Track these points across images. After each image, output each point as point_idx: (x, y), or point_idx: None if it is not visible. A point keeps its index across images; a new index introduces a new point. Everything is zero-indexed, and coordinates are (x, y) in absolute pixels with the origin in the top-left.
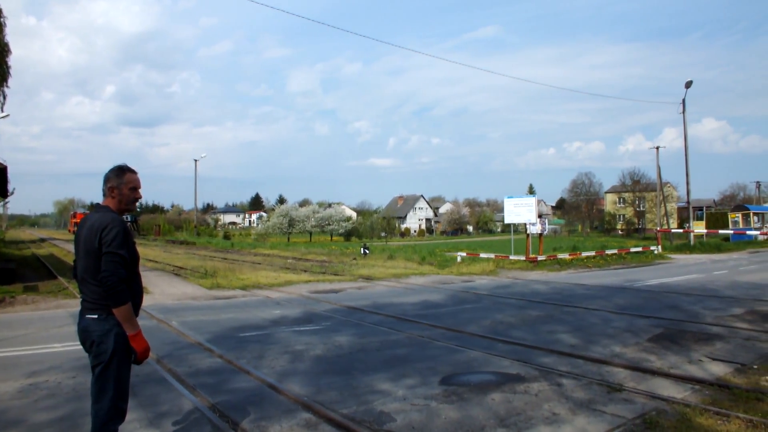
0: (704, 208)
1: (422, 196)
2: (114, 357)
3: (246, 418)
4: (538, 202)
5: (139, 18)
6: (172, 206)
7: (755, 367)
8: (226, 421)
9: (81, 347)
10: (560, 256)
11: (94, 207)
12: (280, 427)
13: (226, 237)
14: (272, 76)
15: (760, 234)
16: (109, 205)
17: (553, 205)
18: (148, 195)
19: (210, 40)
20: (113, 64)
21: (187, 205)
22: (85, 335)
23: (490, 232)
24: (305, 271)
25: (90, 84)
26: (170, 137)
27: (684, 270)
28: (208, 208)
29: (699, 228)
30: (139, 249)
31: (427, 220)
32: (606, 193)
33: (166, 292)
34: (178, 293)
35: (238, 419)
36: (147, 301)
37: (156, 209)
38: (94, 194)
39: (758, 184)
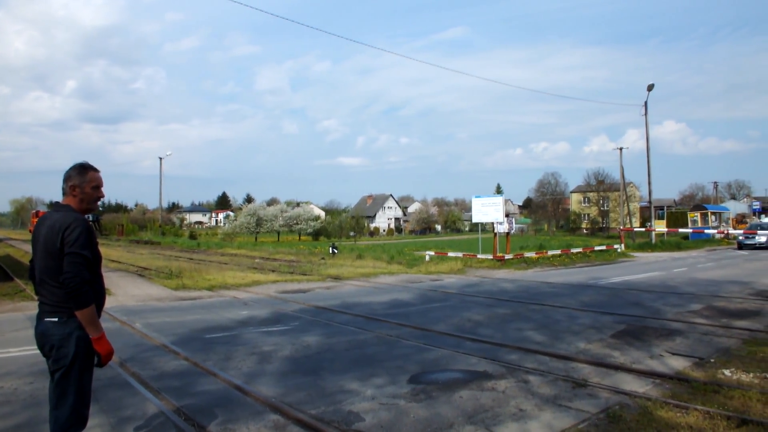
0: (665, 208)
1: (391, 195)
2: (75, 361)
3: (213, 421)
4: (506, 201)
5: (102, 11)
6: (136, 205)
7: (712, 360)
8: (192, 425)
9: (38, 351)
10: (527, 254)
11: (54, 206)
12: (247, 430)
13: (192, 237)
14: (240, 73)
15: (718, 233)
16: (70, 204)
17: (520, 204)
18: (111, 194)
19: (176, 35)
20: (74, 59)
21: (152, 204)
22: (43, 339)
23: (458, 231)
24: (273, 270)
25: (50, 79)
26: (134, 135)
27: (646, 267)
28: (174, 208)
29: (660, 227)
30: (102, 249)
31: (396, 219)
32: (571, 192)
33: (130, 294)
34: (142, 294)
35: (205, 423)
36: (109, 302)
37: (119, 208)
38: (54, 193)
39: (716, 185)
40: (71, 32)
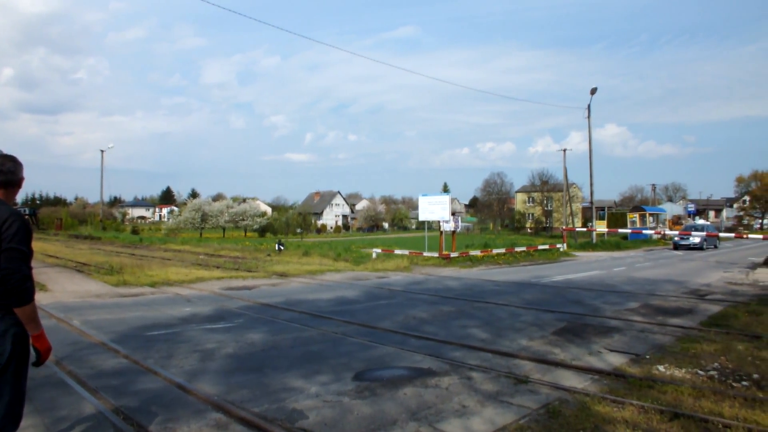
0: (606, 209)
1: (339, 192)
2: (13, 359)
3: (153, 421)
4: (452, 200)
5: None
6: (76, 199)
7: (648, 357)
8: (131, 424)
9: None
10: (472, 253)
11: None
12: (188, 429)
13: (135, 232)
14: (186, 66)
15: (655, 233)
16: (0, 197)
17: (467, 203)
18: (49, 186)
19: (120, 25)
20: (12, 46)
21: (93, 198)
22: None
23: (405, 229)
24: (218, 267)
25: None
26: (75, 126)
27: (587, 266)
28: (116, 202)
29: (601, 227)
30: (39, 244)
31: (344, 216)
32: (516, 192)
33: (68, 290)
34: (81, 290)
35: (145, 422)
36: (46, 299)
37: (58, 202)
38: None
39: (653, 187)
40: (9, 18)
